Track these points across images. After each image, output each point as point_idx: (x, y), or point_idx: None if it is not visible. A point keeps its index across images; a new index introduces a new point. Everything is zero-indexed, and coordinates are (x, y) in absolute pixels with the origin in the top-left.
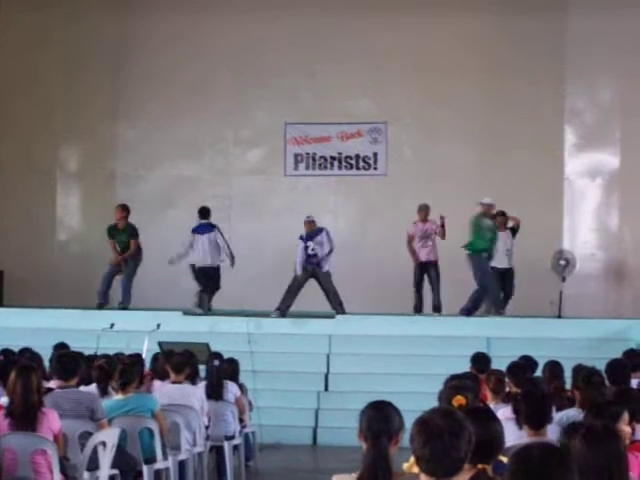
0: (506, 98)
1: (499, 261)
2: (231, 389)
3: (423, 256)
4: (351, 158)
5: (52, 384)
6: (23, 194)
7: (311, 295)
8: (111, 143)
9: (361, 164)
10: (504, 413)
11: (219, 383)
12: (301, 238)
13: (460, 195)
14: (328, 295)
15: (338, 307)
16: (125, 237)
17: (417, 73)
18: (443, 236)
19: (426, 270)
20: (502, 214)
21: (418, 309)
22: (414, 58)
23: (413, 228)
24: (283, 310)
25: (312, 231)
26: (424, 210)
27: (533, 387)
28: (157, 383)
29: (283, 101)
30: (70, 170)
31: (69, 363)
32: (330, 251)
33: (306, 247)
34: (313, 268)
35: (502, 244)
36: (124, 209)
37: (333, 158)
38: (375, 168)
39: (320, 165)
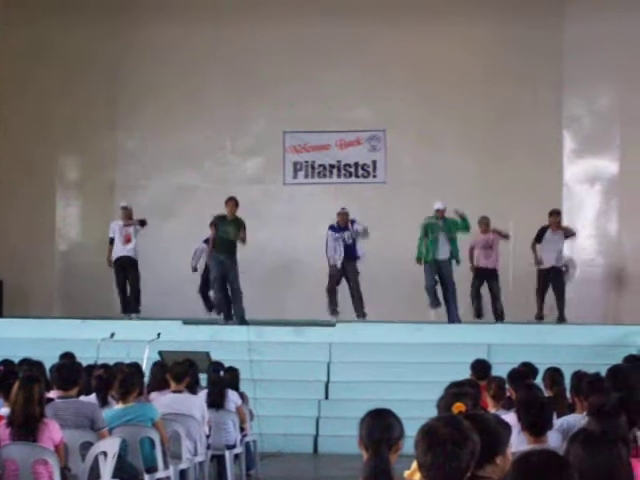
0: (504, 105)
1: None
2: (232, 398)
3: (483, 263)
4: (350, 166)
5: (52, 394)
6: (23, 204)
7: (310, 303)
8: (110, 153)
9: (360, 172)
10: (505, 420)
11: (221, 392)
12: (332, 228)
13: (460, 202)
14: (354, 298)
15: (359, 309)
16: (234, 227)
17: (416, 81)
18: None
19: (486, 277)
20: (558, 213)
21: (479, 314)
22: (412, 66)
23: (474, 240)
24: (335, 312)
25: (345, 223)
26: (483, 222)
27: (529, 393)
28: (154, 394)
29: (281, 110)
30: (69, 180)
31: (69, 373)
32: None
33: (340, 238)
34: (344, 265)
35: (554, 244)
36: (237, 203)
37: (332, 166)
38: (374, 176)
39: (319, 173)
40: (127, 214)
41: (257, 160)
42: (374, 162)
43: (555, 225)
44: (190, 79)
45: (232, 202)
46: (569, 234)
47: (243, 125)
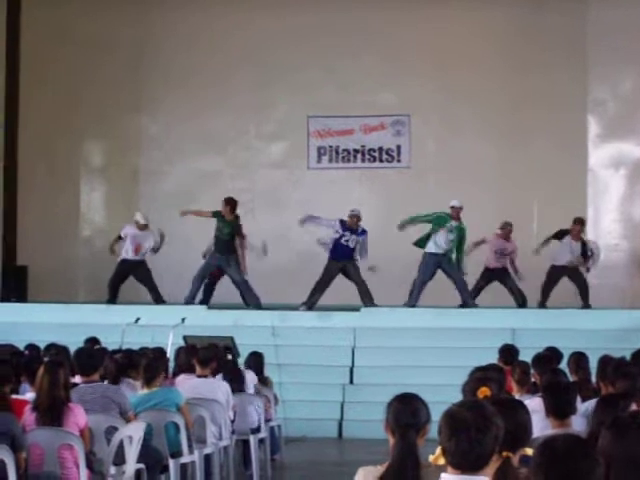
0: (528, 90)
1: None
2: (249, 377)
3: (493, 264)
4: (374, 151)
5: (77, 379)
6: (47, 190)
7: (336, 288)
8: (134, 139)
9: (384, 157)
10: (529, 405)
11: (240, 375)
12: (341, 222)
13: (483, 187)
14: (359, 288)
15: (367, 300)
16: (228, 229)
17: (439, 66)
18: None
19: (494, 276)
20: (582, 222)
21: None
22: (436, 51)
23: (493, 238)
24: (310, 304)
25: (354, 227)
26: (508, 229)
27: (553, 377)
28: (180, 377)
29: (305, 94)
30: (94, 166)
31: (88, 358)
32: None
33: (342, 236)
34: (344, 263)
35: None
36: (233, 207)
37: (356, 151)
38: (398, 160)
39: (343, 158)
40: (142, 228)
41: (281, 145)
42: (398, 147)
43: (576, 235)
44: (213, 64)
45: (229, 206)
46: (585, 253)
47: (266, 110)
